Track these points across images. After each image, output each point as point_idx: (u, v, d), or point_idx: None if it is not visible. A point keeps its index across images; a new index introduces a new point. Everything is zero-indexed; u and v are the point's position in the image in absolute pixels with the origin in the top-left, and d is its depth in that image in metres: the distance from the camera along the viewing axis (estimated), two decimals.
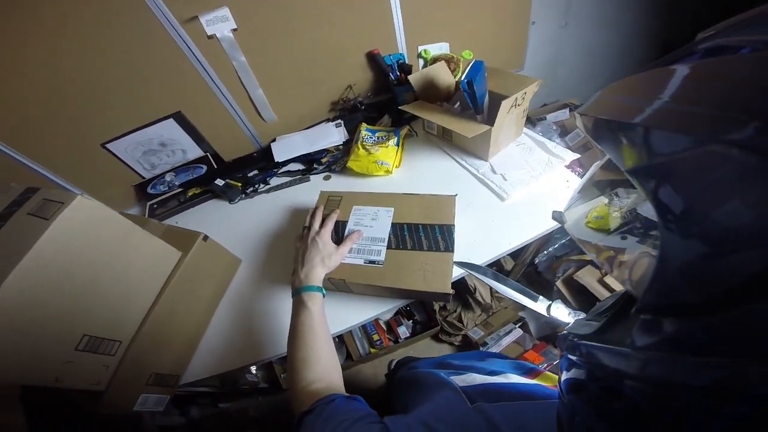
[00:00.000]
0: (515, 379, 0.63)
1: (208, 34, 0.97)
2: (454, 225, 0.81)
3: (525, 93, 1.02)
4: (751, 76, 0.20)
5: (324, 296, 0.69)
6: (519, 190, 1.02)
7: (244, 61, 1.07)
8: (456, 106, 1.15)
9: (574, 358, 0.32)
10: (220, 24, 0.96)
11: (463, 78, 0.98)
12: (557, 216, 0.47)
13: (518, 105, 1.04)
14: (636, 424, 0.24)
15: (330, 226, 0.81)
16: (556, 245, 1.57)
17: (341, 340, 1.63)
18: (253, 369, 1.49)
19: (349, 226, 0.85)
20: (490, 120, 1.01)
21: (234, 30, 1.00)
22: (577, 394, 0.32)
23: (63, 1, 0.81)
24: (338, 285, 0.81)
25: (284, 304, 0.85)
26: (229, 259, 0.94)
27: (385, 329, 1.67)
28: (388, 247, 0.80)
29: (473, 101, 1.01)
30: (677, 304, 0.22)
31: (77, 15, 0.83)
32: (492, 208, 1.00)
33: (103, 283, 0.65)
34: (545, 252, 1.58)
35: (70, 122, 0.99)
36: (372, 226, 0.84)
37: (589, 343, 0.30)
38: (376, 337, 1.62)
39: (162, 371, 0.77)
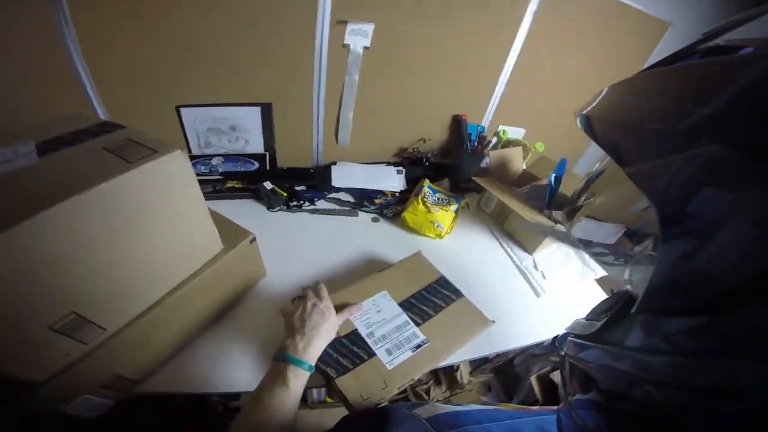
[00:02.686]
0: (476, 407, 0.55)
1: (345, 42, 1.01)
2: (442, 275, 0.85)
3: None
4: (751, 77, 0.20)
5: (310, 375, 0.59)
6: (555, 291, 1.02)
7: (355, 80, 1.09)
8: (524, 195, 1.14)
9: (573, 358, 0.32)
10: (358, 37, 1.02)
11: (552, 174, 0.98)
12: (557, 217, 0.48)
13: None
14: (636, 424, 0.24)
15: (327, 296, 0.69)
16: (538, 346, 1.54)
17: None
18: None
19: (361, 329, 0.72)
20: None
21: (365, 48, 1.04)
22: (576, 394, 0.32)
23: None
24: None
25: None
26: (258, 269, 0.85)
27: None
28: (416, 324, 0.75)
29: (551, 196, 1.00)
30: (677, 305, 0.22)
31: None
32: (526, 301, 0.99)
33: (136, 254, 0.55)
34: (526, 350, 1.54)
35: (162, 73, 0.96)
36: (384, 318, 0.75)
37: (589, 343, 0.30)
38: None
39: (124, 373, 0.63)
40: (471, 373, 1.58)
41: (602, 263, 0.41)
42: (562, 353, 0.37)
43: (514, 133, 1.38)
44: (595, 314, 0.37)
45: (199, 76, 0.99)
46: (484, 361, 1.59)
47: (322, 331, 0.62)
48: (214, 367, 0.72)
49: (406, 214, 1.10)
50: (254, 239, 0.76)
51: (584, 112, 0.32)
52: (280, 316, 0.66)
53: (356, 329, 0.71)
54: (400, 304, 0.77)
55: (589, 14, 1.13)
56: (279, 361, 0.57)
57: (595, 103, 0.32)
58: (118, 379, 0.62)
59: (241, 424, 0.52)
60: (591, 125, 0.31)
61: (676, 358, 0.21)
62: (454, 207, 1.12)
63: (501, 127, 1.35)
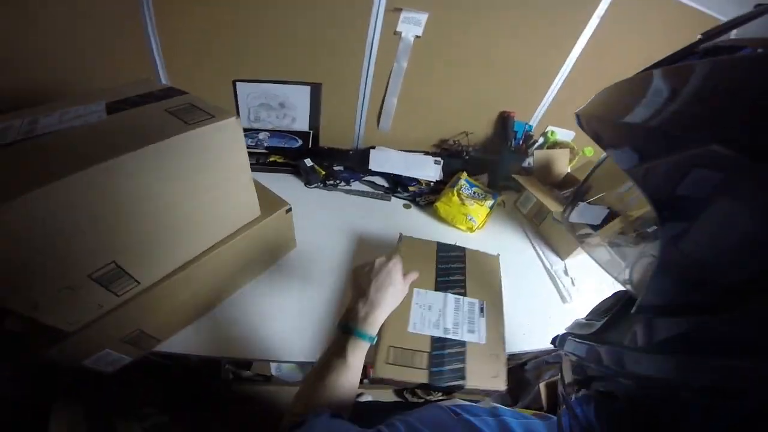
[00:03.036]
0: (496, 405, 0.56)
1: (397, 29, 1.02)
2: (437, 241, 0.89)
3: None
4: (750, 77, 0.20)
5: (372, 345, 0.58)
6: (582, 299, 0.99)
7: (403, 67, 1.09)
8: (565, 197, 1.09)
9: (573, 357, 0.32)
10: (411, 25, 1.01)
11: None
12: (558, 217, 0.50)
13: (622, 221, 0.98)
14: (636, 424, 0.24)
15: (399, 259, 0.65)
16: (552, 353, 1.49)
17: None
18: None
19: (435, 332, 0.71)
20: None
21: (417, 37, 1.03)
22: (576, 394, 0.31)
23: None
24: None
25: (311, 313, 0.80)
26: (289, 240, 0.90)
27: None
28: (463, 295, 0.78)
29: None
30: (677, 305, 0.22)
31: None
32: (552, 306, 0.97)
33: (182, 210, 0.59)
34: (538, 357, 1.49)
35: (225, 47, 1.02)
36: (439, 309, 0.75)
37: (589, 343, 0.30)
38: None
39: (148, 330, 0.66)
40: None
41: (600, 262, 0.41)
42: (562, 353, 0.37)
43: (564, 135, 1.31)
44: (595, 314, 0.36)
45: (258, 52, 1.04)
46: None
47: (388, 295, 0.59)
48: (233, 333, 0.76)
49: (439, 204, 1.09)
50: (290, 209, 0.80)
51: (581, 111, 0.31)
52: (350, 275, 0.66)
53: (433, 336, 0.70)
54: (437, 290, 0.78)
55: (654, 19, 1.05)
56: (340, 330, 0.56)
57: (593, 102, 0.32)
58: (141, 335, 0.66)
59: (301, 395, 0.52)
60: (590, 125, 0.31)
61: (676, 357, 0.21)
62: (489, 203, 1.10)
63: (550, 128, 1.30)
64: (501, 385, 0.65)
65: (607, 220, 0.46)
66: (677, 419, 0.21)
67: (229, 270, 0.76)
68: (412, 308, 0.74)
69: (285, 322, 0.79)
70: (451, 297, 0.76)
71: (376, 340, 0.57)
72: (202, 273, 0.68)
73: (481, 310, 0.75)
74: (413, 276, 0.66)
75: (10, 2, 0.82)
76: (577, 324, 0.37)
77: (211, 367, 1.32)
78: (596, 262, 0.41)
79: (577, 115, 0.32)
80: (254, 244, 0.76)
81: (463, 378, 0.64)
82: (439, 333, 0.70)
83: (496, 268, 0.86)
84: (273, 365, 1.35)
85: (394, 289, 0.60)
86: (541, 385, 1.42)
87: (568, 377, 0.34)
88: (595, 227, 0.46)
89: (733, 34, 0.27)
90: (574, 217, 0.46)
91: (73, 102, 0.58)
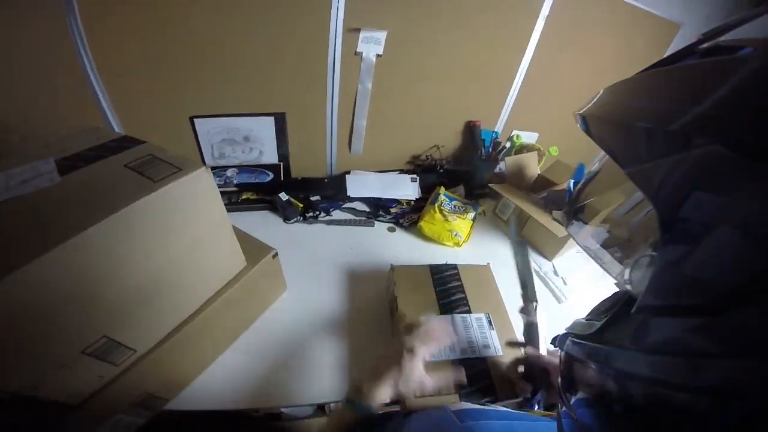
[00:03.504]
0: (503, 408, 0.55)
1: (357, 50, 1.01)
2: (428, 264, 0.87)
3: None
4: (750, 77, 0.20)
5: None
6: (576, 296, 1.01)
7: (368, 88, 1.08)
8: (541, 201, 1.12)
9: (573, 357, 0.32)
10: (371, 45, 1.01)
11: (571, 179, 0.96)
12: (558, 217, 0.49)
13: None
14: (636, 424, 0.24)
15: (422, 354, 0.58)
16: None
17: None
18: None
19: (454, 355, 0.68)
20: None
21: (378, 56, 1.03)
22: (576, 395, 0.31)
23: None
24: None
25: (312, 354, 0.78)
26: (279, 283, 0.84)
27: None
28: (469, 312, 0.77)
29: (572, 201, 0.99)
30: (677, 305, 0.22)
31: None
32: (548, 308, 0.96)
33: (162, 275, 0.54)
34: None
35: (176, 83, 0.95)
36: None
37: (588, 343, 0.30)
38: None
39: (154, 392, 0.62)
40: None
41: (600, 263, 0.41)
42: (562, 353, 0.36)
43: (528, 137, 1.36)
44: (595, 314, 0.36)
45: (213, 86, 0.98)
46: None
47: (395, 386, 0.54)
48: (237, 383, 0.71)
49: (423, 224, 1.09)
50: (276, 254, 0.75)
51: (582, 111, 0.31)
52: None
53: (453, 360, 0.67)
54: (442, 313, 0.76)
55: (600, 17, 1.12)
56: (350, 403, 0.53)
57: (594, 103, 0.32)
58: (149, 397, 0.62)
59: None
60: (589, 125, 0.31)
61: (676, 358, 0.21)
62: (471, 215, 1.11)
63: (514, 132, 1.34)
64: (528, 389, 0.65)
65: (606, 222, 0.46)
66: (677, 419, 0.21)
67: (224, 324, 0.71)
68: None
69: (289, 365, 0.75)
70: (458, 317, 0.75)
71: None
72: (196, 332, 0.63)
73: (489, 322, 0.74)
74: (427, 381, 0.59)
75: None
76: (577, 324, 0.37)
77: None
78: (596, 262, 0.41)
79: (578, 116, 0.32)
80: (244, 295, 0.71)
81: (494, 394, 0.63)
82: (457, 356, 0.69)
83: (490, 278, 0.86)
84: None
85: (413, 379, 0.55)
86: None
87: (569, 377, 0.34)
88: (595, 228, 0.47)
89: (733, 34, 0.27)
90: (573, 219, 0.47)
91: (16, 161, 0.50)
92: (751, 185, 0.18)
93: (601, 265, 0.40)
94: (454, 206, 1.13)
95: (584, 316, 0.41)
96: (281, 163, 1.18)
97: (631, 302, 0.27)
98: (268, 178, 1.17)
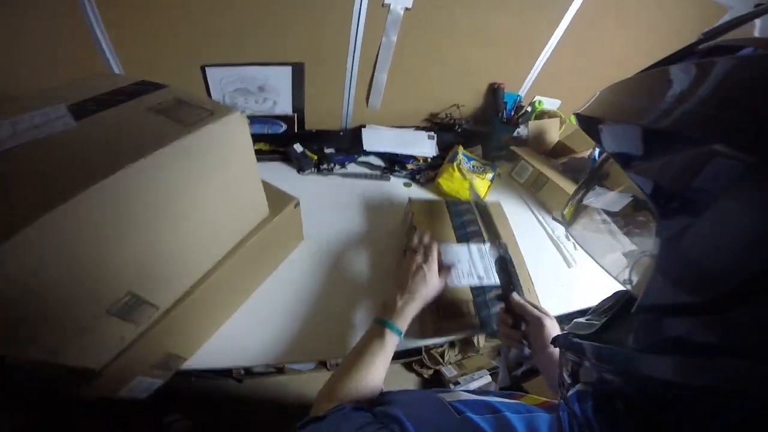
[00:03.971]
0: (498, 398, 0.57)
1: (385, 2, 0.94)
2: (443, 199, 0.95)
3: None
4: (751, 77, 0.20)
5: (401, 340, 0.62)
6: (586, 262, 1.01)
7: (393, 41, 1.02)
8: (560, 168, 1.11)
9: (573, 357, 0.32)
10: None
11: (596, 149, 0.94)
12: (558, 217, 0.47)
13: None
14: (636, 424, 0.24)
15: (436, 255, 0.70)
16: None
17: None
18: None
19: (475, 282, 0.74)
20: None
21: (406, 9, 0.96)
22: (576, 395, 0.31)
23: None
24: None
25: (327, 307, 0.77)
26: (297, 234, 0.84)
27: None
28: (484, 241, 0.81)
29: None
30: (677, 305, 0.22)
31: None
32: (557, 271, 0.99)
33: (189, 222, 0.51)
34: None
35: (187, 29, 0.88)
36: (473, 261, 0.77)
37: (589, 343, 0.30)
38: None
39: (174, 351, 0.62)
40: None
41: (600, 261, 0.41)
42: (562, 353, 0.37)
43: (550, 104, 1.32)
44: (595, 314, 0.37)
45: (227, 33, 0.91)
46: None
47: (420, 296, 0.64)
48: (254, 338, 0.71)
49: (442, 180, 1.07)
50: (298, 203, 0.74)
51: (582, 111, 0.31)
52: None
53: (471, 285, 0.74)
54: (459, 242, 0.80)
55: None
56: (377, 323, 0.60)
57: (593, 103, 0.32)
58: (169, 357, 0.61)
59: (325, 390, 0.54)
60: (588, 125, 0.30)
61: (676, 357, 0.21)
62: (490, 175, 1.10)
63: (537, 98, 1.30)
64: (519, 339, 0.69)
65: (606, 220, 0.46)
66: (678, 419, 0.21)
67: (244, 275, 0.70)
68: (443, 260, 0.75)
69: (304, 319, 0.75)
70: (474, 247, 0.79)
71: (402, 334, 0.60)
72: (218, 284, 0.62)
73: (506, 252, 0.77)
74: (447, 271, 0.70)
75: None
76: (578, 324, 0.37)
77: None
78: (596, 262, 0.41)
79: (578, 116, 0.32)
80: (266, 245, 0.70)
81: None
82: (474, 282, 0.73)
83: (502, 214, 0.90)
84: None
85: (428, 289, 0.65)
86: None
87: (568, 376, 0.34)
88: (595, 227, 0.47)
89: (733, 34, 0.27)
90: (574, 217, 0.47)
91: (23, 106, 0.46)
92: (751, 185, 0.17)
93: (600, 265, 0.40)
94: (473, 166, 1.11)
95: (585, 316, 0.40)
96: (295, 115, 1.14)
97: (631, 302, 0.27)
98: (281, 129, 1.14)
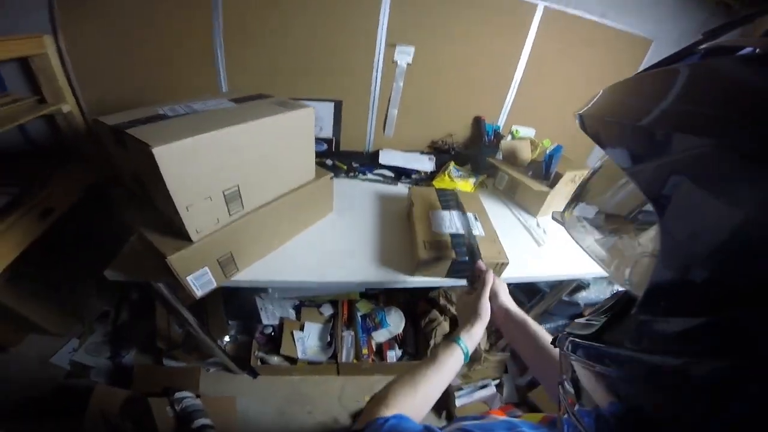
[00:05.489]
0: (501, 418, 0.59)
1: (394, 59, 1.44)
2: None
3: (582, 176, 1.31)
4: (751, 77, 0.20)
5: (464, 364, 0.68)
6: (553, 243, 1.29)
7: (400, 86, 1.51)
8: (529, 174, 1.46)
9: (573, 358, 0.32)
10: (404, 56, 1.44)
11: (547, 152, 1.30)
12: (557, 216, 0.49)
13: (575, 182, 1.34)
14: (635, 424, 0.24)
15: (489, 286, 0.74)
16: (566, 321, 1.71)
17: (332, 337, 1.71)
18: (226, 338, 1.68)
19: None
20: (551, 186, 1.31)
21: (408, 64, 1.46)
22: (576, 395, 0.31)
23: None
24: None
25: (332, 264, 1.05)
26: (328, 202, 1.22)
27: (375, 350, 1.72)
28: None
29: (547, 169, 1.32)
30: (677, 305, 0.22)
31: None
32: (529, 248, 1.27)
33: (274, 161, 0.90)
34: (551, 323, 1.72)
35: (270, 72, 1.41)
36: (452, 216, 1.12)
37: (589, 343, 0.30)
38: (365, 351, 1.66)
39: (235, 254, 0.89)
40: (487, 351, 1.75)
41: (600, 261, 0.40)
42: (562, 353, 0.36)
43: (525, 132, 1.71)
44: (595, 315, 0.36)
45: (294, 77, 1.44)
46: (500, 336, 1.78)
47: (483, 320, 0.69)
48: (291, 271, 1.01)
49: (435, 182, 1.46)
50: (332, 177, 1.14)
51: (582, 111, 0.32)
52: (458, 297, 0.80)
53: (450, 232, 1.03)
54: (443, 209, 1.12)
55: (582, 35, 1.47)
56: (456, 341, 0.65)
57: (593, 103, 0.32)
58: (230, 259, 0.89)
59: (406, 380, 0.58)
60: (587, 125, 0.31)
61: (676, 358, 0.21)
62: (472, 180, 1.47)
63: (514, 127, 1.70)
64: (504, 258, 0.97)
65: (605, 220, 0.45)
66: (678, 419, 0.21)
67: (292, 213, 1.05)
68: (431, 218, 1.08)
69: (325, 259, 1.07)
70: (454, 212, 1.11)
71: (468, 359, 0.67)
72: (276, 211, 0.97)
73: (475, 217, 1.10)
74: (495, 298, 0.76)
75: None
76: (577, 324, 0.37)
77: (243, 357, 1.61)
78: (596, 261, 0.40)
79: (578, 116, 0.32)
80: (308, 198, 1.08)
81: (479, 253, 0.94)
82: (453, 231, 1.04)
83: (479, 200, 1.23)
84: (299, 348, 1.63)
85: (482, 321, 0.69)
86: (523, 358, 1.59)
87: (569, 378, 0.34)
88: (594, 227, 0.45)
89: (733, 34, 0.26)
90: (572, 219, 0.46)
91: (204, 99, 0.92)
92: (750, 186, 0.18)
93: (600, 264, 0.40)
94: (460, 174, 1.49)
95: (585, 316, 0.41)
96: (333, 138, 1.61)
97: (631, 302, 0.27)
98: (323, 148, 1.60)
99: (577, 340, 0.32)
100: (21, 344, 1.61)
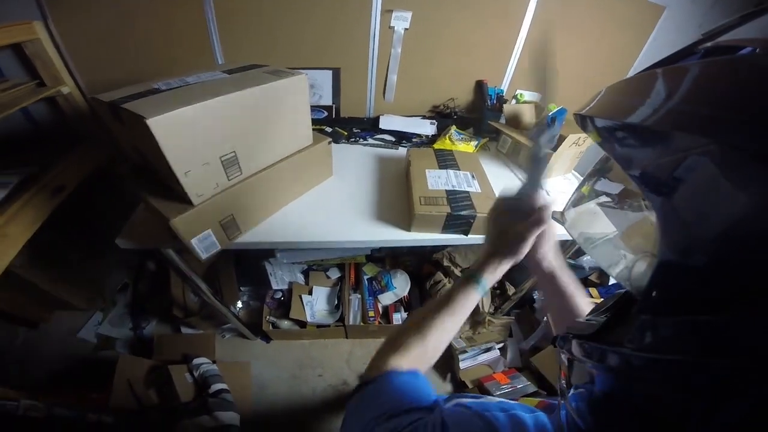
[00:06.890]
0: (500, 399, 0.56)
1: (390, 25, 1.41)
2: None
3: (586, 138, 1.29)
4: (751, 77, 0.20)
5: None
6: (556, 205, 1.26)
7: (398, 52, 1.49)
8: (531, 135, 1.44)
9: (573, 356, 0.32)
10: (401, 21, 1.41)
11: (550, 113, 1.28)
12: (557, 216, 0.48)
13: (578, 145, 1.31)
14: (635, 423, 0.24)
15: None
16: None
17: (339, 300, 1.74)
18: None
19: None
20: (554, 149, 1.29)
21: (405, 29, 1.43)
22: (575, 394, 0.31)
23: None
24: None
25: (332, 224, 1.08)
26: (328, 167, 1.23)
27: (381, 313, 1.75)
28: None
29: (547, 129, 1.29)
30: (677, 305, 0.22)
31: None
32: None
33: (271, 126, 0.92)
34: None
35: (267, 42, 1.40)
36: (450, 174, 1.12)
37: (589, 342, 0.30)
38: (371, 313, 1.68)
39: (237, 217, 0.92)
40: (492, 314, 1.79)
41: (601, 261, 0.39)
42: (563, 352, 0.36)
43: (530, 96, 1.67)
44: (595, 314, 0.36)
45: (290, 45, 1.42)
46: (505, 299, 1.81)
47: (510, 261, 0.57)
48: (293, 233, 1.03)
49: (435, 145, 1.45)
50: (331, 141, 1.15)
51: (582, 112, 0.31)
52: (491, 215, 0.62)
53: (446, 189, 1.04)
54: (440, 168, 1.14)
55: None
56: (471, 276, 0.57)
57: (594, 103, 0.32)
58: (232, 222, 0.91)
59: (421, 314, 0.55)
60: (588, 125, 0.31)
61: (676, 357, 0.21)
62: (474, 143, 1.45)
63: (518, 91, 1.66)
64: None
65: (606, 220, 0.44)
66: (677, 419, 0.21)
67: (290, 178, 1.08)
68: (428, 176, 1.10)
69: (329, 219, 1.09)
70: (451, 171, 1.13)
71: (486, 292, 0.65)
72: (275, 175, 1.00)
73: (473, 176, 1.11)
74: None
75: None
76: (579, 323, 0.36)
77: (255, 323, 1.67)
78: (597, 261, 0.39)
79: (578, 116, 0.32)
80: (307, 162, 1.10)
81: (473, 208, 0.96)
82: (449, 188, 1.06)
83: (477, 160, 1.23)
84: (308, 312, 1.68)
85: (523, 254, 0.57)
86: (548, 315, 1.62)
87: (569, 376, 0.34)
88: (595, 227, 0.45)
89: (733, 34, 0.26)
90: (574, 217, 0.46)
91: (198, 72, 0.93)
92: (750, 186, 0.18)
93: (600, 264, 0.39)
94: (461, 138, 1.48)
95: (586, 316, 0.40)
96: (333, 105, 1.60)
97: (631, 302, 0.27)
98: (323, 115, 1.60)
99: (577, 339, 0.32)
100: (50, 321, 1.72)
